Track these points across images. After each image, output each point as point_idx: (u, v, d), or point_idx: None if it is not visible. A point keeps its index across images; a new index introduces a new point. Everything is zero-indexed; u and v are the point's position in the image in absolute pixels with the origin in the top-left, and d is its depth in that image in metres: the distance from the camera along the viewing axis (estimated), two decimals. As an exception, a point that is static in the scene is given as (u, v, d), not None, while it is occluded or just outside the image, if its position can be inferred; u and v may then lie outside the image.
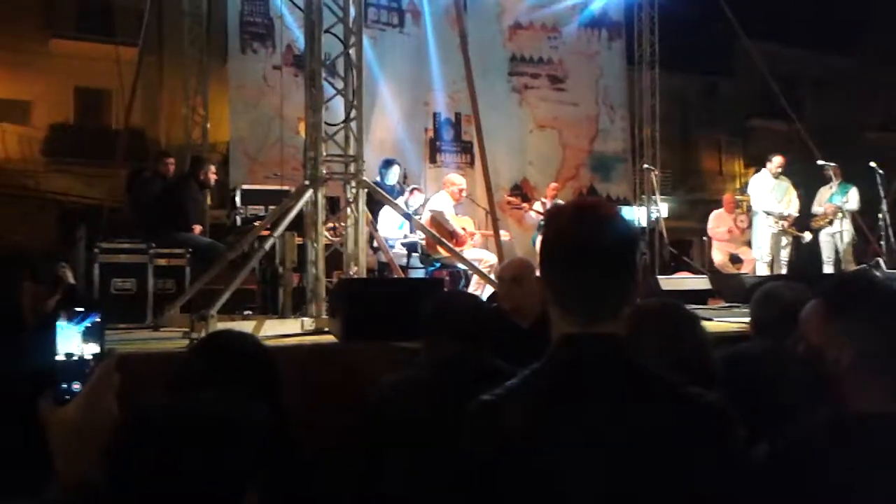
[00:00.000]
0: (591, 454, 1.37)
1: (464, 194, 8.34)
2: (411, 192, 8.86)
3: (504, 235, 8.21)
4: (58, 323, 1.27)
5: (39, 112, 17.52)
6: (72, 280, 6.25)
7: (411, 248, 8.01)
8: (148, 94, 14.41)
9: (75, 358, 1.27)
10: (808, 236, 10.45)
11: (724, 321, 5.45)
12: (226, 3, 11.10)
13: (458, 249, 7.36)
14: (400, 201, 8.11)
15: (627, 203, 13.77)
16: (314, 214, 5.65)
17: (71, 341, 1.27)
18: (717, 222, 11.04)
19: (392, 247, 7.75)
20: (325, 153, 5.73)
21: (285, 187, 8.09)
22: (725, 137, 25.29)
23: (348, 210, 5.85)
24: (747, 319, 3.26)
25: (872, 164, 9.83)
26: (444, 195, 8.20)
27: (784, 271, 10.01)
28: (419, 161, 11.98)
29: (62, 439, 1.22)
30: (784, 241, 10.29)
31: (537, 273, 1.59)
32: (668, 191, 19.62)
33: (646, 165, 12.34)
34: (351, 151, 5.85)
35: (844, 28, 22.58)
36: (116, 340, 4.44)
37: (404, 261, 7.91)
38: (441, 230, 7.62)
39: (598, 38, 14.06)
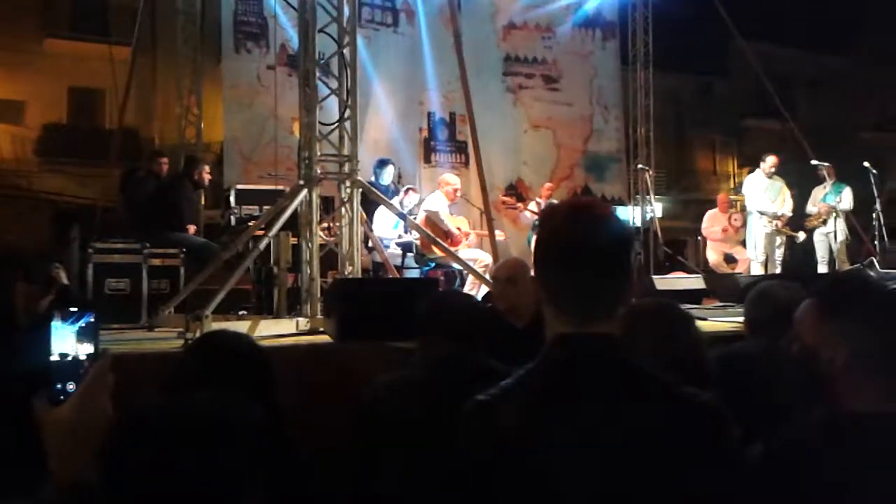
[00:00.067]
0: (585, 454, 1.37)
1: (458, 194, 8.34)
2: (406, 191, 8.85)
3: (499, 235, 8.22)
4: (52, 323, 1.27)
5: (33, 112, 17.47)
6: (65, 280, 6.23)
7: (406, 247, 8.00)
8: (142, 94, 14.35)
9: (70, 358, 1.27)
10: (802, 236, 10.47)
11: (719, 321, 5.47)
12: (219, 2, 11.06)
13: (452, 249, 7.36)
14: (395, 201, 8.11)
15: (622, 203, 13.77)
16: (309, 214, 5.65)
17: (65, 341, 1.27)
18: (712, 222, 11.05)
19: (387, 247, 7.75)
20: (319, 153, 5.73)
21: (280, 187, 8.09)
22: (720, 137, 25.36)
23: (343, 210, 5.85)
24: (742, 319, 3.26)
25: (866, 164, 9.87)
26: (438, 195, 8.20)
27: (778, 271, 10.03)
28: (414, 161, 11.97)
29: (56, 439, 1.22)
30: (778, 240, 10.31)
31: (532, 273, 1.59)
32: (662, 191, 19.65)
33: (640, 165, 12.35)
34: (345, 151, 5.85)
35: (839, 28, 22.64)
36: (111, 341, 4.44)
37: (399, 261, 7.90)
38: (436, 230, 7.62)
39: (592, 38, 14.08)
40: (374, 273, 7.66)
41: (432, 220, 7.88)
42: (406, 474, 2.44)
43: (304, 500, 2.08)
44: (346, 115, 5.86)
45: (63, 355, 1.27)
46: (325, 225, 6.23)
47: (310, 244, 5.63)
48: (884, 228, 9.76)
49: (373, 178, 8.48)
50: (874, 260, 9.44)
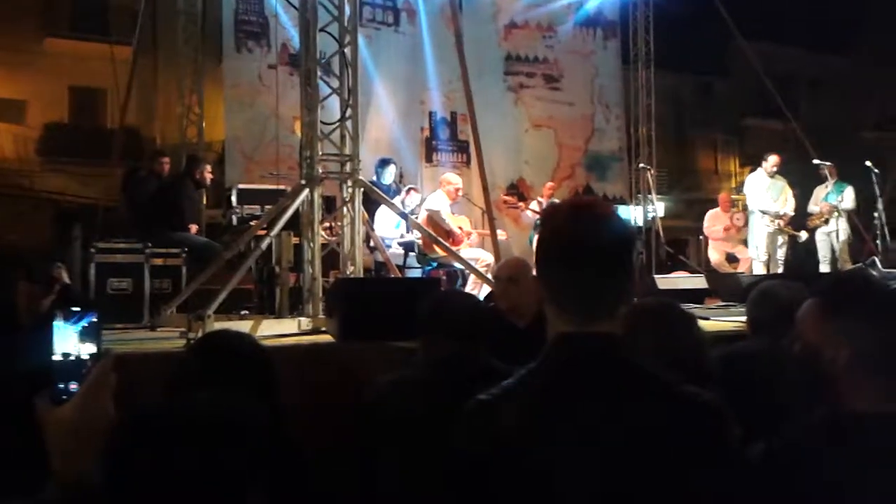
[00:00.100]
0: (586, 453, 1.37)
1: (460, 193, 8.34)
2: (408, 191, 8.86)
3: (501, 235, 8.21)
4: (54, 323, 1.27)
5: (34, 111, 17.48)
6: (67, 280, 6.25)
7: (408, 247, 8.00)
8: (143, 94, 14.35)
9: (72, 358, 1.27)
10: (804, 235, 10.47)
11: (721, 320, 5.46)
12: (220, 1, 11.06)
13: (454, 249, 7.36)
14: (396, 201, 8.11)
15: (623, 202, 13.76)
16: (310, 214, 5.64)
17: (68, 341, 1.27)
18: (714, 221, 11.05)
19: (389, 246, 7.74)
20: (321, 152, 5.72)
21: (281, 186, 8.09)
22: (721, 137, 25.35)
23: (345, 209, 5.84)
24: (744, 318, 3.26)
25: (868, 163, 9.86)
26: (440, 194, 8.20)
27: (780, 270, 10.01)
28: (415, 160, 11.97)
29: (59, 439, 1.22)
30: (780, 240, 10.30)
31: (534, 272, 1.59)
32: (664, 190, 19.61)
33: (642, 165, 12.36)
34: (347, 150, 5.84)
35: (839, 27, 22.63)
36: (113, 340, 4.44)
37: (401, 260, 7.90)
38: (437, 229, 7.61)
39: (594, 38, 14.07)
40: (376, 273, 7.65)
41: (434, 220, 7.88)
42: (408, 474, 2.44)
43: (306, 499, 2.08)
44: (348, 114, 5.85)
45: (65, 355, 1.27)
46: (327, 224, 6.22)
47: (311, 244, 5.62)
48: (885, 228, 9.74)
49: (374, 178, 8.48)
50: (876, 259, 9.42)
